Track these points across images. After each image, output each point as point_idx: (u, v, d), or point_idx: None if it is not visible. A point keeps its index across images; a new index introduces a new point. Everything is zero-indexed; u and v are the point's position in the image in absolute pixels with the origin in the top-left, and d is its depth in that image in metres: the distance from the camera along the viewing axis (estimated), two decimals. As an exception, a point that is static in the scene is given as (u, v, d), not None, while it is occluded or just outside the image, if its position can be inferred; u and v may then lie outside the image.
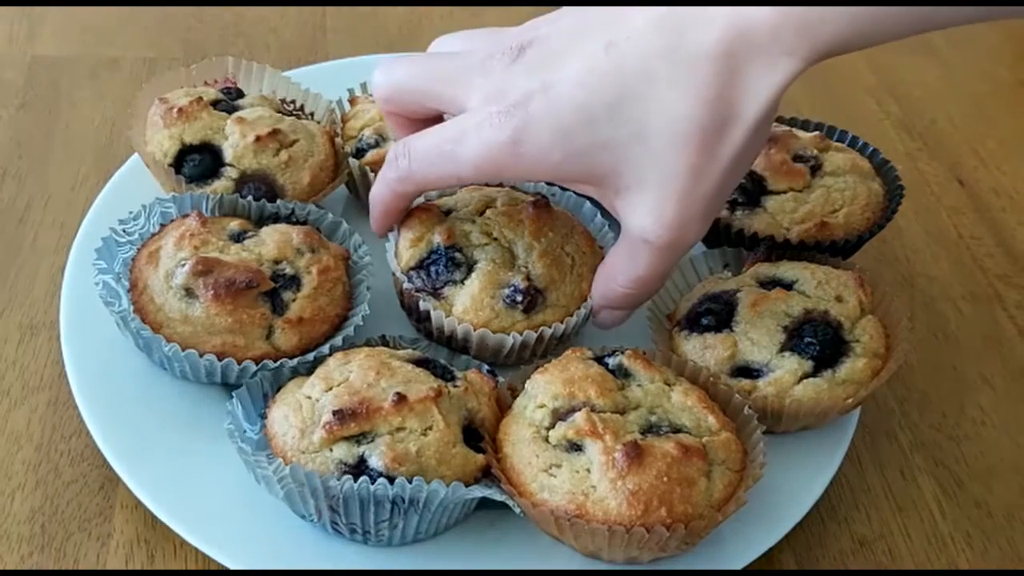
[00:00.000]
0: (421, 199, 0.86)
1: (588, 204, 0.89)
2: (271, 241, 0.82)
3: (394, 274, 0.84)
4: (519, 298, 0.81)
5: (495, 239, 0.83)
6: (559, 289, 0.82)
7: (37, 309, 0.91)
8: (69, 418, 0.82)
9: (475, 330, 0.80)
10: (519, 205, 0.85)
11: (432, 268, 0.82)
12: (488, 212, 0.85)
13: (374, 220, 0.84)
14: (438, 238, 0.82)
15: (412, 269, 0.83)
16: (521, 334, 0.81)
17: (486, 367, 0.80)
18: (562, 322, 0.82)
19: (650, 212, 0.72)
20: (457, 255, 0.82)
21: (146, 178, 0.94)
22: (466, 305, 0.81)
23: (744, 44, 0.66)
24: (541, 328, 0.81)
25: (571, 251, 0.84)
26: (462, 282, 0.82)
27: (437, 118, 0.80)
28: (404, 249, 0.83)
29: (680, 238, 0.74)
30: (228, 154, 0.90)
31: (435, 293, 0.82)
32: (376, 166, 0.94)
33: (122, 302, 0.80)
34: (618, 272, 0.79)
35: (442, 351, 0.82)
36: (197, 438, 0.78)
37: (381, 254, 0.85)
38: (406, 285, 0.82)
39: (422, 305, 0.82)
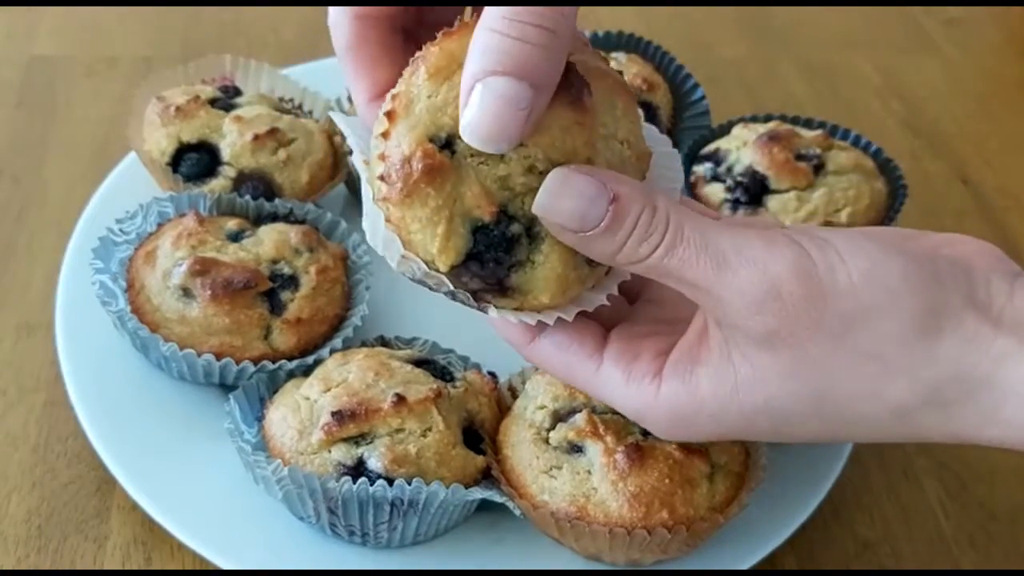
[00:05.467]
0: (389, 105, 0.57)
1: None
2: (269, 241, 0.82)
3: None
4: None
5: (542, 173, 0.57)
6: None
7: (33, 309, 0.90)
8: (65, 419, 0.82)
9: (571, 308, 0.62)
10: (551, 109, 0.56)
11: (487, 258, 0.58)
12: None
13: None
14: (476, 211, 0.57)
15: (457, 267, 0.58)
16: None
17: (486, 368, 0.79)
18: None
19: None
20: (512, 227, 0.58)
21: (143, 177, 0.94)
22: (552, 291, 0.59)
23: None
24: None
25: (625, 134, 0.61)
26: (530, 259, 0.59)
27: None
28: (428, 238, 0.57)
29: None
30: (226, 153, 0.89)
31: (502, 288, 0.59)
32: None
33: (119, 302, 0.79)
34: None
35: (440, 348, 0.81)
36: (194, 439, 0.77)
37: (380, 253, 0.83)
38: (459, 295, 0.59)
39: (492, 313, 0.60)
